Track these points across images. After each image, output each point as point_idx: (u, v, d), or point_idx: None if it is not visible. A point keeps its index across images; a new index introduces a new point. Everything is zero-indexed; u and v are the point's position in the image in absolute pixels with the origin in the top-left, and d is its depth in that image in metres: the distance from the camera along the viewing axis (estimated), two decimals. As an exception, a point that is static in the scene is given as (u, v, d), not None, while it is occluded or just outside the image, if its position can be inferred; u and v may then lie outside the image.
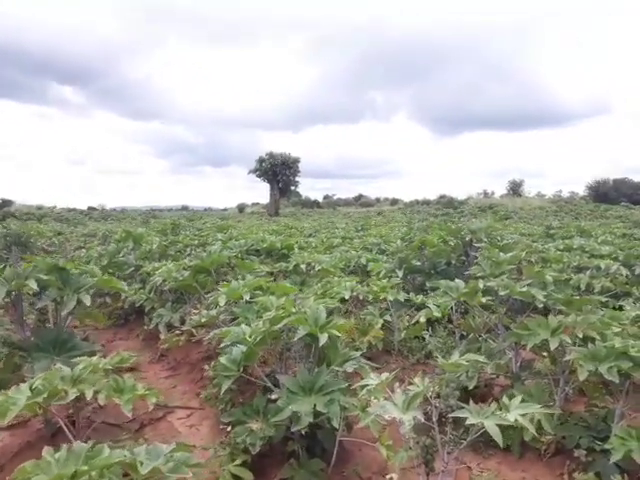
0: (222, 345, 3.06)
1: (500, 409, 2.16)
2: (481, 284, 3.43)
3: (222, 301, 3.86)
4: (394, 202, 77.74)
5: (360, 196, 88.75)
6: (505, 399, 2.11)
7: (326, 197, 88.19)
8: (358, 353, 3.14)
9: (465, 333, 4.44)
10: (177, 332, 5.14)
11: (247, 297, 3.84)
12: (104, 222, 33.22)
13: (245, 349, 3.02)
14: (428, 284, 4.71)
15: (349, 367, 2.92)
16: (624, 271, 5.71)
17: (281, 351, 3.18)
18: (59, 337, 3.19)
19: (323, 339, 2.81)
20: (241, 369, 3.01)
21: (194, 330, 4.73)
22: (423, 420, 2.08)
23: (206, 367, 3.84)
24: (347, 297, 4.98)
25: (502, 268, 3.60)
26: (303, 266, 6.22)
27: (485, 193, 63.99)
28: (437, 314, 4.05)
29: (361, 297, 5.04)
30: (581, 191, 51.18)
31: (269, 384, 3.08)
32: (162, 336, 5.51)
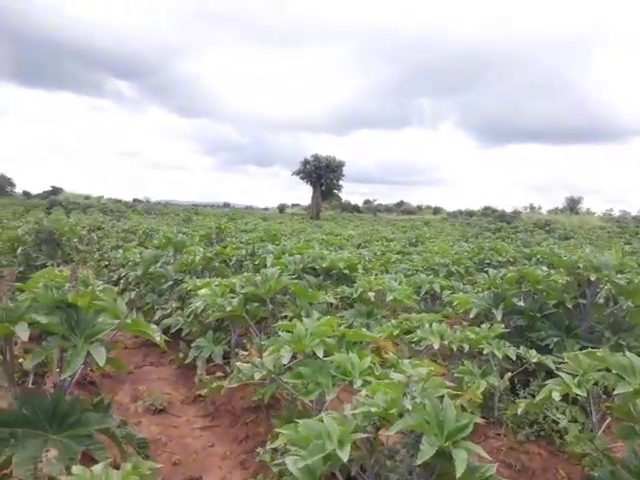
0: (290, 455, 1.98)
1: None
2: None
3: (286, 355, 2.82)
4: (436, 211, 76.18)
5: (401, 202, 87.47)
6: None
7: (367, 202, 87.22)
8: None
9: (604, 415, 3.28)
10: (219, 374, 4.16)
11: (320, 353, 2.78)
12: (147, 216, 33.02)
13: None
14: (545, 337, 3.55)
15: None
16: None
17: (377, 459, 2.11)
18: (58, 407, 2.22)
19: (461, 464, 1.72)
20: (322, 487, 1.95)
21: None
22: None
23: (259, 450, 2.80)
24: (437, 347, 3.87)
25: None
26: (371, 294, 5.13)
27: (532, 207, 61.51)
28: (579, 392, 2.90)
29: (454, 348, 3.91)
30: (634, 211, 48.16)
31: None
32: (199, 373, 4.54)
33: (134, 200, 59.17)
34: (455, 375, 3.83)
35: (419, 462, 1.74)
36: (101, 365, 2.15)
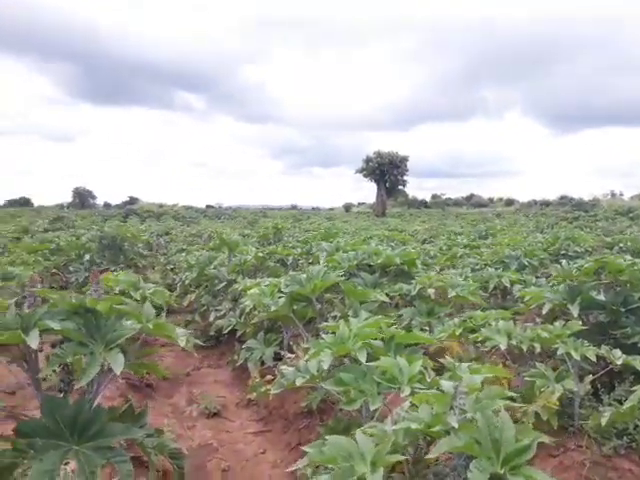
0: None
1: None
2: None
3: (326, 361, 2.56)
4: (509, 202, 72.95)
5: (471, 195, 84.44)
6: None
7: (434, 197, 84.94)
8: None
9: None
10: (268, 377, 3.96)
11: (363, 358, 2.50)
12: (216, 220, 33.86)
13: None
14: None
15: None
16: None
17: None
18: (79, 415, 2.09)
19: (522, 496, 1.38)
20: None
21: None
22: None
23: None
24: (503, 347, 3.47)
25: None
26: (431, 291, 4.76)
27: (613, 194, 57.20)
28: (677, 400, 2.44)
29: (524, 348, 3.49)
30: None
31: None
32: (252, 375, 4.38)
33: (207, 206, 60.98)
34: (526, 379, 3.41)
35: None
36: (117, 373, 1.99)
